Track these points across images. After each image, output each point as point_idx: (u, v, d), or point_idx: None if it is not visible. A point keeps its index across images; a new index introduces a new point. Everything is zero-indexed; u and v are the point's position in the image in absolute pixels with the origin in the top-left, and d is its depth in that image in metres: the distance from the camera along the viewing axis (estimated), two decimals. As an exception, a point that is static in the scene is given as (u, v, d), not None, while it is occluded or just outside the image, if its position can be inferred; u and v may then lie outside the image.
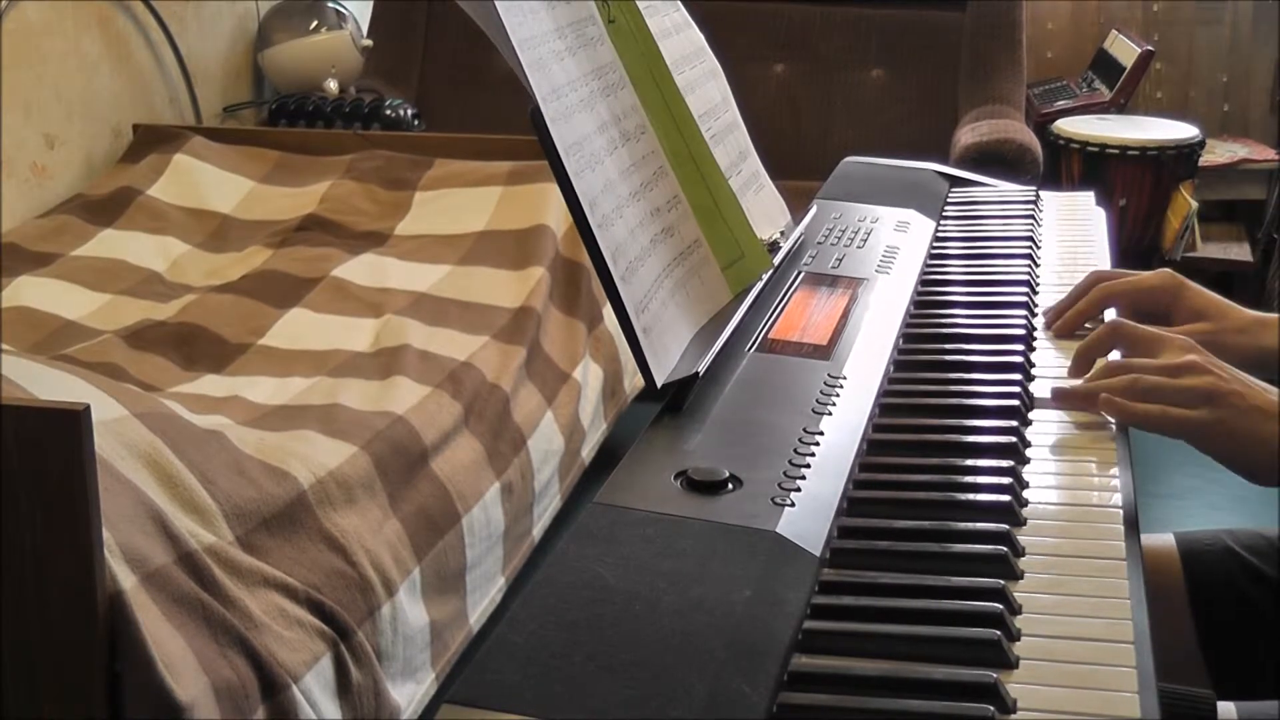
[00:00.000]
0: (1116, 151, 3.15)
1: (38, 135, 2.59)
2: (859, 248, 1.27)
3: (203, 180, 2.66)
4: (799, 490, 0.82)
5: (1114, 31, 3.69)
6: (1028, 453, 0.93)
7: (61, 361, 1.81)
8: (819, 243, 1.28)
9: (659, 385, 0.91)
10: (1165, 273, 1.17)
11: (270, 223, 2.56)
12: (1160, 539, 1.17)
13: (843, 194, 1.45)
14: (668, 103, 1.09)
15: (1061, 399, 1.00)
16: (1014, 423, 0.96)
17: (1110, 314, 1.15)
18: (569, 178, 0.90)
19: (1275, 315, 1.13)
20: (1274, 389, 0.95)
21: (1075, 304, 1.15)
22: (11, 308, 2.13)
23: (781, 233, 1.24)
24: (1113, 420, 0.98)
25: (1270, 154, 3.58)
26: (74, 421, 1.16)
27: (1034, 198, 1.52)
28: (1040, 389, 1.03)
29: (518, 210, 2.44)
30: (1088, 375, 1.02)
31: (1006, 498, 0.85)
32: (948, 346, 1.11)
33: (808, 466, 0.85)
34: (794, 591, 0.73)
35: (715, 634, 0.67)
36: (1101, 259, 1.36)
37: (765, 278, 1.12)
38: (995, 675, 0.67)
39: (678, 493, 0.81)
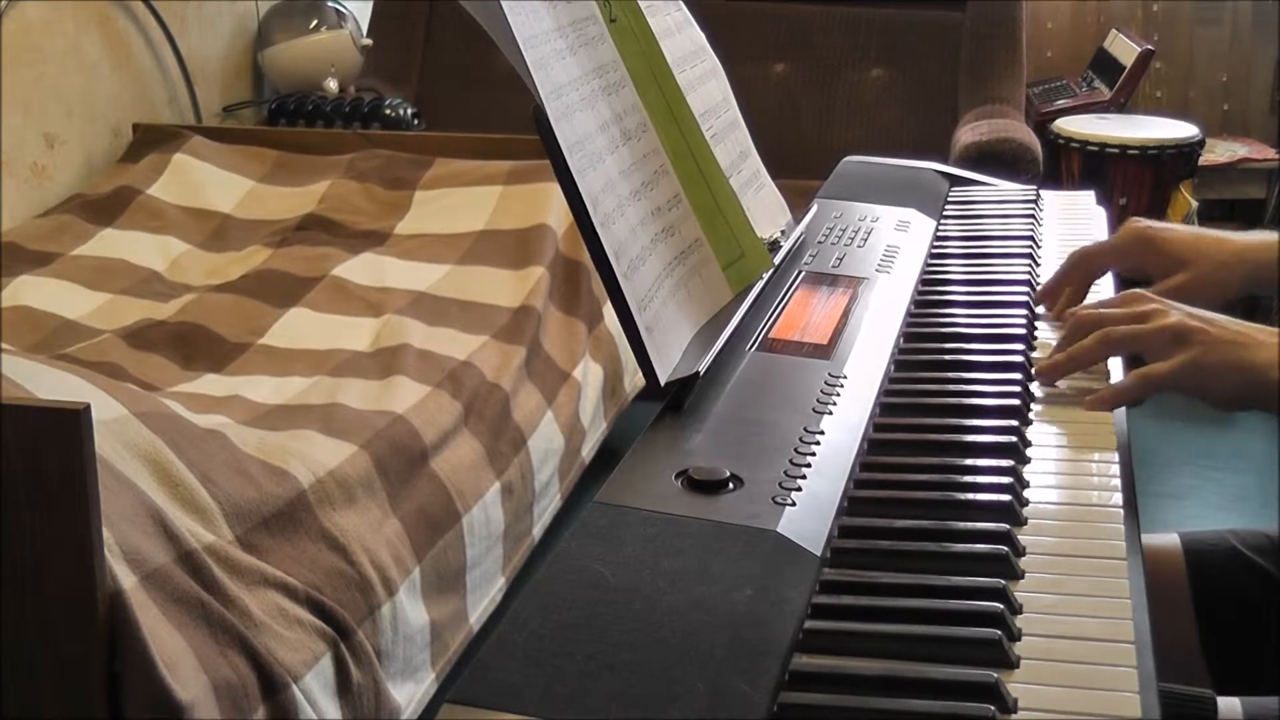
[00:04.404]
0: (1116, 151, 3.15)
1: (38, 135, 2.59)
2: (859, 247, 1.27)
3: (202, 180, 2.66)
4: (800, 490, 0.82)
5: (1114, 31, 3.69)
6: (1028, 453, 0.93)
7: (61, 361, 1.81)
8: (819, 242, 1.28)
9: (661, 384, 0.91)
10: (1133, 229, 1.19)
11: (270, 222, 2.56)
12: (1164, 539, 1.18)
13: (843, 193, 1.45)
14: (669, 102, 1.09)
15: (1044, 376, 1.03)
16: (1014, 422, 0.96)
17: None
18: (571, 176, 0.90)
19: (1259, 239, 1.15)
20: (1235, 321, 0.98)
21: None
22: (11, 307, 2.13)
23: (782, 232, 1.24)
24: (1110, 415, 0.98)
25: (1270, 154, 3.58)
26: (74, 421, 1.16)
27: (1034, 197, 1.52)
28: (1040, 389, 1.03)
29: (518, 210, 2.44)
30: (1059, 340, 1.06)
31: (1007, 497, 0.85)
32: (948, 346, 1.10)
33: (808, 466, 0.85)
34: (794, 591, 0.73)
35: (716, 633, 0.67)
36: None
37: (766, 277, 1.12)
38: (996, 675, 0.67)
39: (678, 492, 0.81)
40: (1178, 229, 1.18)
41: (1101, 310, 1.04)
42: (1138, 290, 1.06)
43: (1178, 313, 0.99)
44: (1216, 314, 1.00)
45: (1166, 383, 0.98)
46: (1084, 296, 1.19)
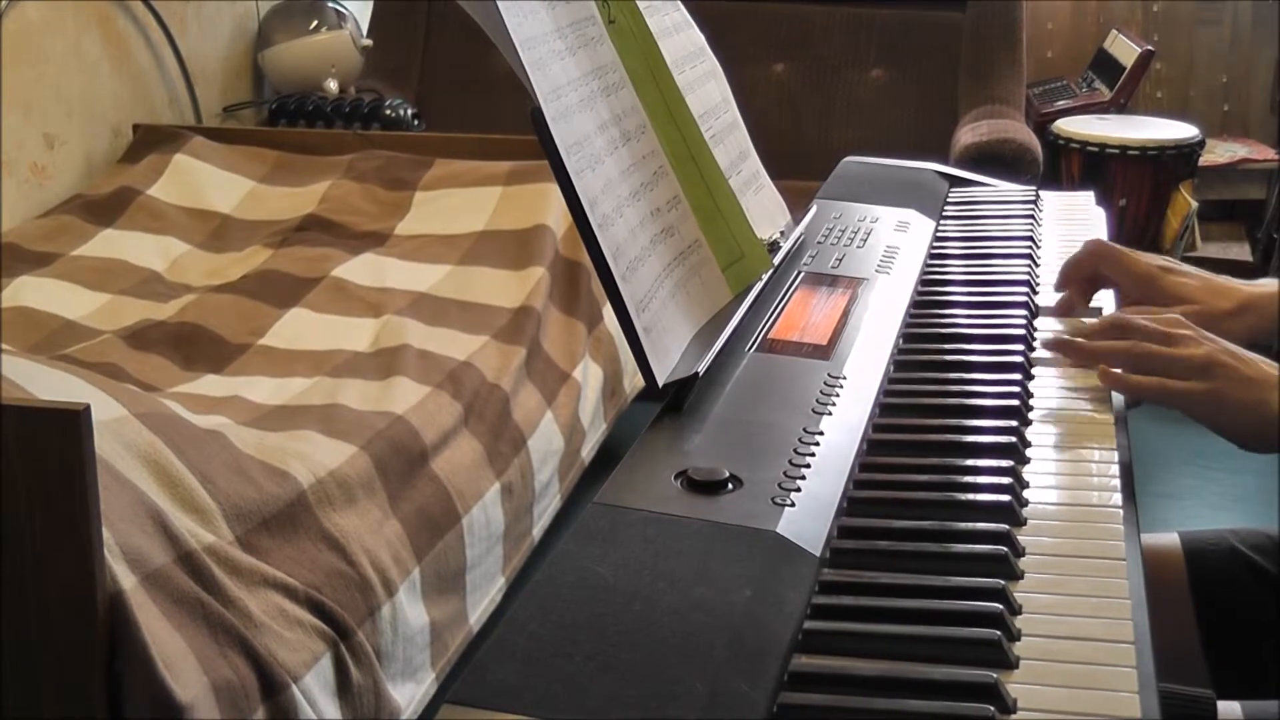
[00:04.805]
0: (1116, 151, 3.15)
1: (38, 135, 2.59)
2: (859, 247, 1.27)
3: (203, 180, 2.66)
4: (799, 490, 0.82)
5: (1114, 31, 3.69)
6: (1028, 453, 0.93)
7: (61, 361, 1.81)
8: (819, 242, 1.28)
9: (660, 385, 0.91)
10: (1150, 261, 1.18)
11: (270, 223, 2.56)
12: (1164, 538, 1.18)
13: (843, 194, 1.45)
14: (668, 102, 1.09)
15: (1059, 349, 1.06)
16: (1014, 423, 0.96)
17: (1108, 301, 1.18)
18: (569, 177, 0.90)
19: (1264, 289, 1.15)
20: (1267, 361, 0.99)
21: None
22: (11, 308, 2.13)
23: (781, 232, 1.24)
24: (1110, 415, 0.98)
25: (1270, 154, 3.58)
26: (74, 421, 1.16)
27: (1034, 198, 1.52)
28: (1040, 389, 1.04)
29: (517, 210, 2.45)
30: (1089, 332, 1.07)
31: (1006, 498, 0.85)
32: (948, 346, 1.10)
33: (808, 466, 0.85)
34: (794, 591, 0.73)
35: (715, 634, 0.67)
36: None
37: (765, 278, 1.12)
38: (995, 675, 0.67)
39: (678, 493, 0.81)
40: (1189, 274, 1.17)
41: (1143, 322, 1.03)
42: (1178, 315, 1.06)
43: (1210, 344, 1.00)
44: (1249, 352, 1.00)
45: (1182, 403, 0.98)
46: (1094, 292, 1.19)
